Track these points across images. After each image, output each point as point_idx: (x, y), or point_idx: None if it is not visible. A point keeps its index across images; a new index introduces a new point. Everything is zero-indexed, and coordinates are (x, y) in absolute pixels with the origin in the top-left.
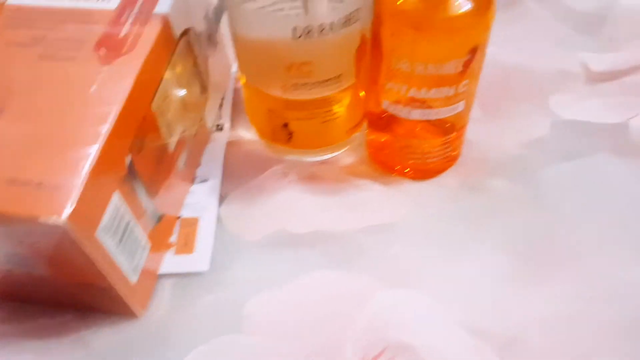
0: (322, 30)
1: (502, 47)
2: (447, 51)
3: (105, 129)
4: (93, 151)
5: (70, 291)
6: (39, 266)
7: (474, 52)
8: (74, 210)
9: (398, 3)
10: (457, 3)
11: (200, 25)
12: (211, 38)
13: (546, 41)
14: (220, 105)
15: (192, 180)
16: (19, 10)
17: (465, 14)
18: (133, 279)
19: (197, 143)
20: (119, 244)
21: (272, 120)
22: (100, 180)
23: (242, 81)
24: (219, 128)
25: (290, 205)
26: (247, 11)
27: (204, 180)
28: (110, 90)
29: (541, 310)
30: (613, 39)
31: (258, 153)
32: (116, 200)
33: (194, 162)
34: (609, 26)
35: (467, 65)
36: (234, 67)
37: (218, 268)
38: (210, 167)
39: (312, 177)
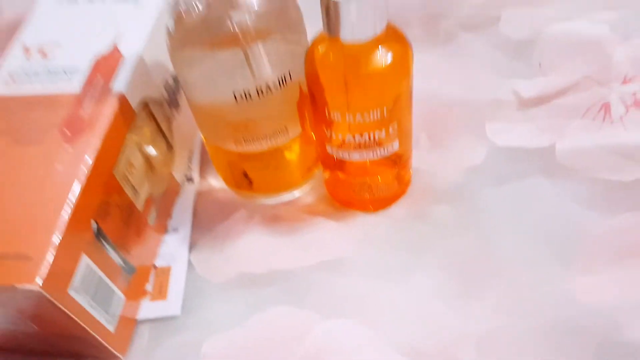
0: (260, 92)
1: (443, 80)
2: (373, 101)
3: (70, 200)
4: (61, 221)
5: (57, 342)
6: (25, 323)
7: (398, 98)
8: (46, 276)
9: (324, 60)
10: (377, 58)
11: (159, 93)
12: (173, 102)
13: (482, 70)
14: (190, 159)
15: (164, 231)
16: None
17: (386, 69)
18: (111, 327)
19: (168, 197)
20: (92, 299)
21: (232, 170)
22: (68, 246)
23: (203, 138)
24: (189, 179)
25: (251, 248)
26: (191, 78)
27: (175, 230)
28: (74, 166)
29: (475, 327)
30: (542, 64)
31: (227, 199)
32: (85, 261)
33: (165, 214)
34: (537, 52)
35: (393, 111)
36: None
37: (188, 311)
38: (180, 217)
39: (274, 218)
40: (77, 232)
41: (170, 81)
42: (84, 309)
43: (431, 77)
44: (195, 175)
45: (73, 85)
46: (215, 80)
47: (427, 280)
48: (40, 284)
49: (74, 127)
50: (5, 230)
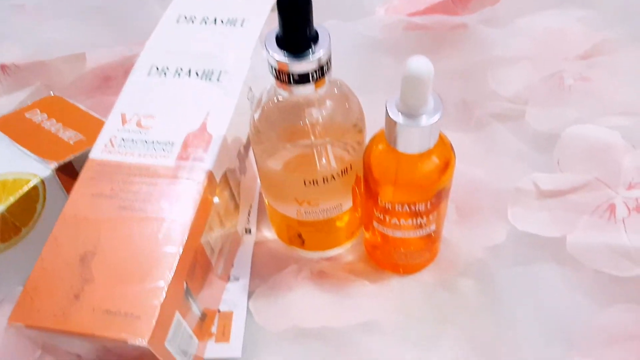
0: (325, 181)
1: (472, 162)
2: (418, 197)
3: (171, 267)
4: (164, 286)
5: None
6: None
7: (440, 194)
8: (152, 334)
9: (379, 160)
10: (426, 166)
11: (234, 163)
12: (242, 168)
13: (508, 158)
14: (249, 213)
15: (227, 279)
16: (100, 164)
17: (433, 173)
18: None
19: (231, 248)
20: (179, 346)
21: (288, 230)
22: (167, 307)
23: (266, 201)
24: (248, 231)
25: (301, 301)
26: (266, 164)
27: (237, 279)
28: (173, 236)
29: None
30: (560, 161)
31: (278, 250)
32: (177, 317)
33: (229, 264)
34: (557, 149)
35: (435, 203)
36: (259, 181)
37: (248, 356)
38: (241, 266)
39: (320, 274)
40: (174, 294)
41: (242, 150)
42: (172, 355)
43: (462, 157)
44: (253, 227)
45: (168, 159)
46: (288, 165)
47: (452, 350)
48: (147, 341)
49: (170, 200)
50: (117, 291)
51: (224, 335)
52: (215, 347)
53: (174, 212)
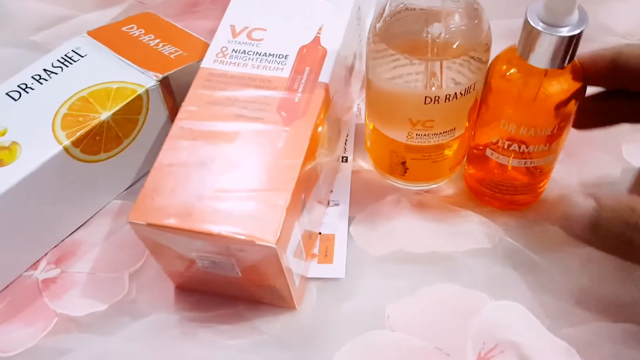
0: (447, 99)
1: None
2: (544, 120)
3: (294, 178)
4: (287, 194)
5: (248, 289)
6: (234, 271)
7: (567, 119)
8: (278, 237)
9: (506, 77)
10: (558, 87)
11: (341, 83)
12: (345, 91)
13: None
14: (345, 141)
15: (327, 203)
16: (213, 73)
17: (562, 96)
18: (297, 282)
19: (332, 173)
20: (294, 258)
21: (392, 159)
22: (291, 214)
23: (370, 126)
24: (344, 160)
25: (404, 228)
26: (382, 77)
27: (336, 204)
28: (293, 146)
29: None
30: None
31: (374, 180)
32: (297, 227)
33: (329, 189)
34: None
35: (561, 128)
36: (355, 108)
37: (352, 276)
38: (340, 192)
39: (420, 204)
40: (294, 204)
41: (347, 73)
42: (290, 266)
43: None
44: (350, 155)
45: (283, 71)
46: (408, 82)
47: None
48: (275, 243)
49: (289, 111)
50: (240, 194)
51: (326, 256)
52: (319, 268)
53: (292, 123)
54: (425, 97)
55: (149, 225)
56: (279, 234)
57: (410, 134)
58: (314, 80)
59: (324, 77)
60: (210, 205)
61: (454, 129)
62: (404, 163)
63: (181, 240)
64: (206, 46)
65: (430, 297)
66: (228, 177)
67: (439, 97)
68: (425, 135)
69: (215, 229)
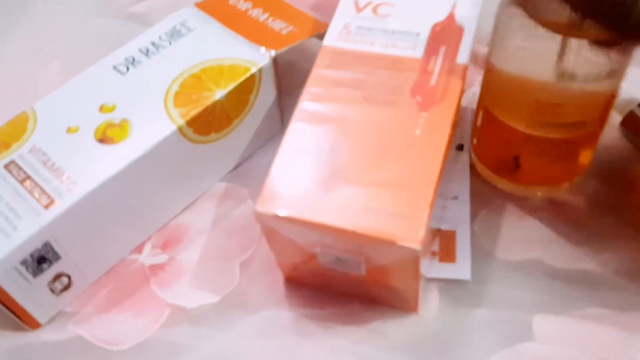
0: (586, 79)
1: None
2: None
3: (436, 171)
4: (430, 189)
5: (367, 288)
6: (359, 269)
7: None
8: (422, 237)
9: None
10: None
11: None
12: None
13: None
14: (459, 126)
15: (445, 196)
16: (336, 52)
17: None
18: (421, 282)
19: (449, 162)
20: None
21: (503, 151)
22: (432, 211)
23: (480, 117)
24: (460, 148)
25: (545, 237)
26: (511, 48)
27: (455, 197)
28: (433, 135)
29: None
30: None
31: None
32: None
33: (447, 179)
34: None
35: None
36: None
37: (479, 280)
38: (458, 184)
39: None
40: (435, 198)
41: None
42: (419, 267)
43: None
44: (466, 143)
45: (416, 50)
46: (543, 55)
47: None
48: (419, 244)
49: (425, 95)
50: (375, 187)
51: (448, 255)
52: (441, 267)
53: (430, 109)
54: (562, 72)
55: (277, 217)
56: (422, 235)
57: (532, 120)
58: (451, 62)
59: (462, 57)
60: (342, 197)
61: (584, 122)
62: (516, 158)
63: (309, 233)
64: (315, 23)
65: (580, 320)
66: (360, 167)
67: (576, 75)
68: (550, 123)
69: (350, 224)
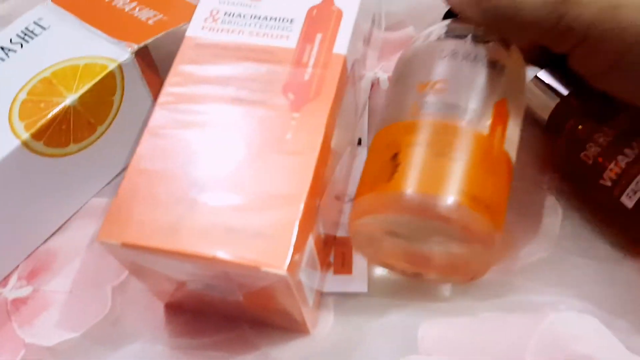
0: None
1: None
2: None
3: (307, 180)
4: (299, 202)
5: (252, 311)
6: (235, 295)
7: None
8: (290, 261)
9: None
10: None
11: (359, 51)
12: (363, 62)
13: None
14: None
15: (343, 200)
16: (201, 45)
17: None
18: (311, 301)
19: (348, 162)
20: (307, 277)
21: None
22: (303, 229)
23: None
24: (359, 142)
25: None
26: None
27: (351, 199)
28: (304, 139)
29: None
30: None
31: None
32: (310, 241)
33: (346, 181)
34: None
35: None
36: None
37: (374, 291)
38: (357, 184)
39: None
40: (309, 212)
41: (365, 42)
42: (303, 288)
43: None
44: (364, 136)
45: (289, 40)
46: None
47: None
48: (285, 269)
49: (298, 92)
50: (239, 203)
51: (343, 266)
52: (335, 280)
53: (302, 107)
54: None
55: (125, 245)
56: (289, 259)
57: (416, 103)
58: (328, 51)
59: (340, 47)
60: (202, 217)
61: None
62: (395, 156)
63: (167, 262)
64: (192, 7)
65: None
66: (222, 181)
67: None
68: (434, 102)
69: (209, 250)
